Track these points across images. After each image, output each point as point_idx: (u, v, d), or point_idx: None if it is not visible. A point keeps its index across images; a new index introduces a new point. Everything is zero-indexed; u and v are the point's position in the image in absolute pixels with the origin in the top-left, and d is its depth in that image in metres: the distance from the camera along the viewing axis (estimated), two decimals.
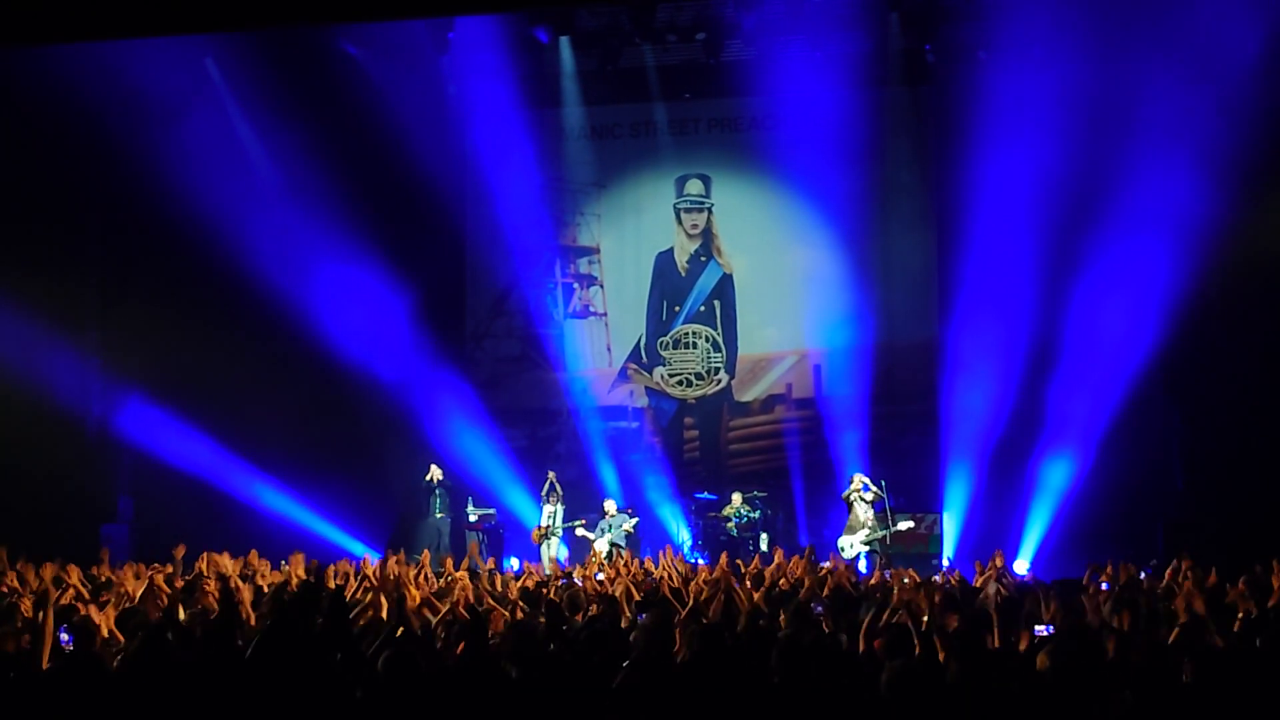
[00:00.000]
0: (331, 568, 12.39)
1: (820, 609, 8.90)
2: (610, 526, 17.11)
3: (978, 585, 10.98)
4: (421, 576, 11.50)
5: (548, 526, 17.45)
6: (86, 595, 9.80)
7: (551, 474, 17.93)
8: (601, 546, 16.56)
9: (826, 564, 12.95)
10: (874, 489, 16.00)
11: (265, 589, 10.67)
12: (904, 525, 16.06)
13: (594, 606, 9.30)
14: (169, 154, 17.51)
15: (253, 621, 8.46)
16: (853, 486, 16.12)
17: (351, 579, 11.04)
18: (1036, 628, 7.77)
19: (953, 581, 11.18)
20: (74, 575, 10.61)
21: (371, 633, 7.65)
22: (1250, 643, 7.42)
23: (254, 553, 13.25)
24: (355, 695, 6.01)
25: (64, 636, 7.30)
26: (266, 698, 6.00)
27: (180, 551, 12.82)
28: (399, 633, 7.63)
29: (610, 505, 17.43)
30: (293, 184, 18.53)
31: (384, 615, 8.38)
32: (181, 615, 8.74)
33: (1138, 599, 9.03)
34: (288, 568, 12.74)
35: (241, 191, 18.46)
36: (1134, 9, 17.10)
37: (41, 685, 6.08)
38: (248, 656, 6.51)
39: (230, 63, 18.62)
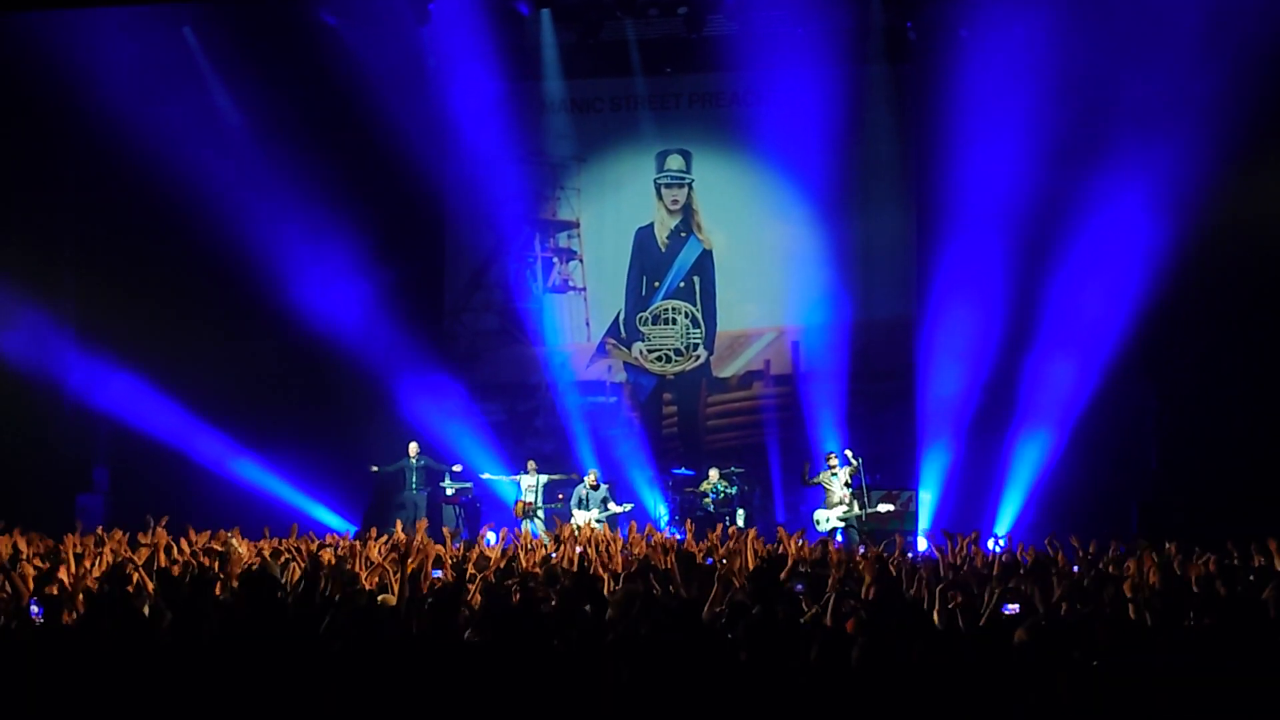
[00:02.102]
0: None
1: (801, 587, 8.87)
2: (588, 497, 17.11)
3: (951, 561, 11.01)
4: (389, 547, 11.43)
5: (530, 502, 17.48)
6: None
7: (531, 463, 18.00)
8: (581, 520, 16.51)
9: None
10: (852, 463, 16.07)
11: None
12: (883, 508, 16.10)
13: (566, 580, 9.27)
14: (145, 123, 17.38)
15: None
16: (824, 473, 16.25)
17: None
18: (1006, 605, 7.78)
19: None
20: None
21: (342, 605, 7.62)
22: (1221, 622, 7.46)
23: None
24: (326, 667, 6.00)
25: (34, 609, 7.26)
26: (238, 669, 5.99)
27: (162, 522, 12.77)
28: (369, 603, 7.60)
29: (591, 477, 17.42)
30: (270, 155, 18.40)
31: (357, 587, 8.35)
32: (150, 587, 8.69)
33: (1105, 577, 9.07)
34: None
35: (218, 162, 18.34)
36: None
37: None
38: (217, 630, 6.49)
39: (208, 32, 18.53)
